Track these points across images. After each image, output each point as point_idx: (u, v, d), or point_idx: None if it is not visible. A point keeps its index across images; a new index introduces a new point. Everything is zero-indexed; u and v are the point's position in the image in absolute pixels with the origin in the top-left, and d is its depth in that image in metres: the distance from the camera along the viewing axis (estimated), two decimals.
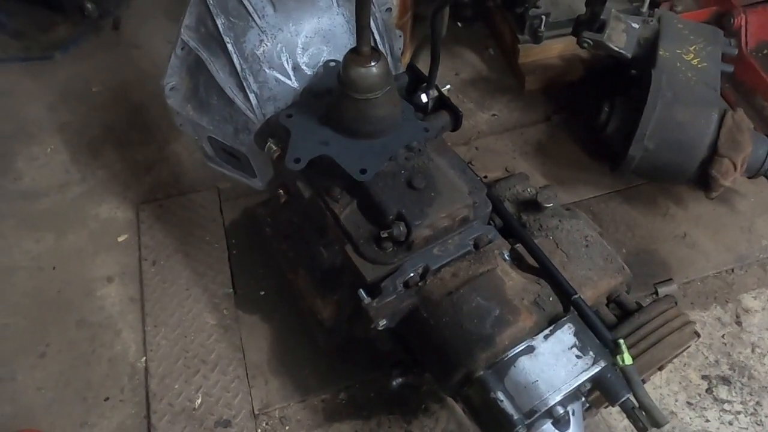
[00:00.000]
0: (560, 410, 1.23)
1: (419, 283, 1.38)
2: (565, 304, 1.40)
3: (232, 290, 1.98)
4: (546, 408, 1.23)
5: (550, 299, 1.39)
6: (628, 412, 1.28)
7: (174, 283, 2.00)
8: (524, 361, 1.27)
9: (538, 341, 1.29)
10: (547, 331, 1.31)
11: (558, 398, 1.23)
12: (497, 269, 1.39)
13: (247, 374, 1.82)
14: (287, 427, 1.75)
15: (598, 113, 2.15)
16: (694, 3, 2.57)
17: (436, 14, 1.44)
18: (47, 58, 2.70)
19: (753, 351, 1.88)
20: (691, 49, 2.06)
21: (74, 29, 2.78)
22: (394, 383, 1.46)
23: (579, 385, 1.26)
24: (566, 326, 1.32)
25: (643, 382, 1.65)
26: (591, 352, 1.29)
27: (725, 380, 1.83)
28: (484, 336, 1.29)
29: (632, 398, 1.30)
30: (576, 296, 1.38)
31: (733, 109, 1.96)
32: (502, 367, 1.27)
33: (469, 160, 2.25)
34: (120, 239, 2.13)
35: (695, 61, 2.03)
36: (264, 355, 1.86)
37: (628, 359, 1.30)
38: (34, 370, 1.85)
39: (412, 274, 1.37)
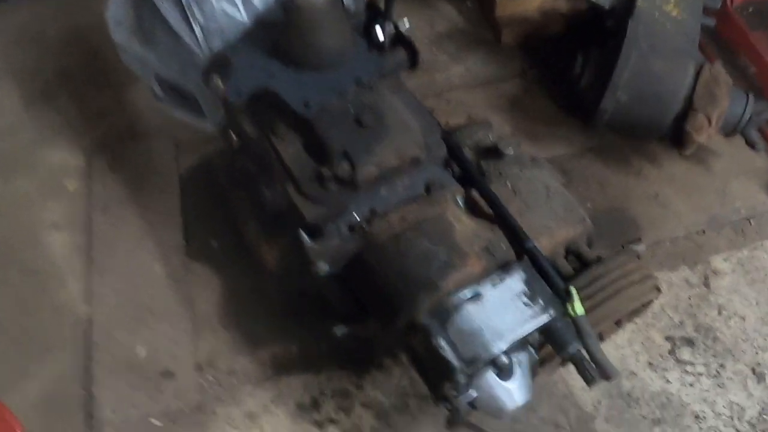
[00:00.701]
0: (504, 359, 1.17)
1: (365, 226, 1.30)
2: (518, 252, 1.33)
3: (184, 241, 1.90)
4: (489, 356, 1.16)
5: (503, 246, 1.32)
6: (577, 363, 1.21)
7: (124, 233, 1.92)
8: (469, 308, 1.20)
9: (485, 288, 1.22)
10: (495, 278, 1.24)
11: (502, 347, 1.17)
12: (447, 213, 1.31)
13: (195, 326, 1.75)
14: (234, 380, 1.68)
15: (572, 65, 2.05)
16: None
17: None
18: (2, 0, 2.57)
19: (719, 313, 1.82)
20: (671, 0, 1.96)
21: None
22: (339, 333, 1.39)
23: (526, 335, 1.20)
24: (516, 274, 1.25)
25: (602, 339, 1.61)
26: (541, 301, 1.22)
27: (689, 342, 1.77)
28: (429, 280, 1.22)
29: (582, 350, 1.23)
30: (529, 243, 1.30)
31: (711, 63, 1.88)
32: (446, 314, 1.20)
33: (436, 111, 2.16)
34: (70, 186, 2.03)
35: (675, 12, 1.93)
36: (214, 307, 1.79)
37: (579, 309, 1.23)
38: None
39: (357, 217, 1.30)
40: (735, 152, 2.10)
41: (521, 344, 1.22)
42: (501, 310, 1.20)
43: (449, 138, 1.49)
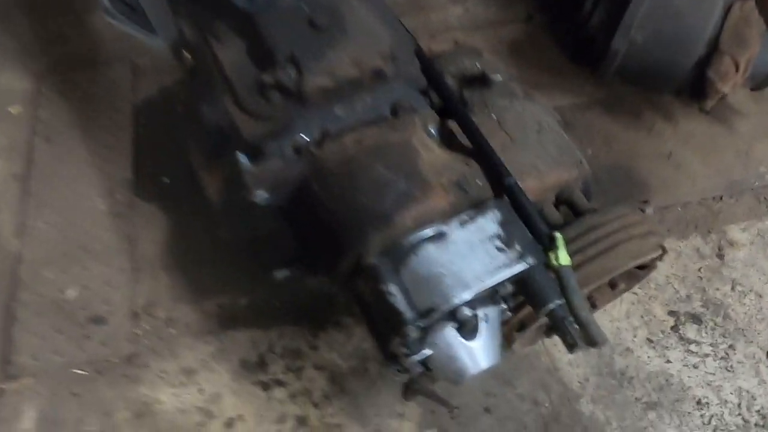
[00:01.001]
0: (467, 313, 0.96)
1: (313, 149, 1.08)
2: (496, 191, 1.11)
3: (131, 175, 1.70)
4: (448, 307, 0.95)
5: (479, 183, 1.09)
6: (557, 323, 0.99)
7: (66, 163, 1.72)
8: (430, 249, 0.98)
9: (452, 227, 1.01)
10: (465, 216, 1.02)
11: (465, 297, 0.95)
12: (413, 139, 1.09)
13: (134, 268, 1.55)
14: (172, 330, 1.48)
15: (580, 5, 1.81)
16: None
17: None
18: None
19: (733, 288, 1.59)
20: None
21: None
22: (279, 276, 1.18)
23: (496, 285, 0.98)
24: (491, 213, 1.03)
25: (595, 307, 1.40)
26: (518, 247, 1.00)
27: (696, 318, 1.55)
28: (382, 213, 1.00)
29: (564, 308, 1.01)
30: (510, 180, 1.08)
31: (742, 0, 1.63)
32: (400, 255, 0.98)
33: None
34: (13, 110, 1.82)
35: None
36: (158, 248, 1.58)
37: (564, 259, 1.01)
38: None
39: (305, 137, 1.08)
40: (762, 111, 1.86)
41: (490, 297, 1.00)
42: (468, 255, 0.99)
43: (428, 61, 1.26)
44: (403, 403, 1.40)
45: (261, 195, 1.09)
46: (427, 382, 1.15)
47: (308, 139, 1.09)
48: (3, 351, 1.43)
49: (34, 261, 1.56)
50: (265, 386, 1.43)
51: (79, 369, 1.43)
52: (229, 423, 1.38)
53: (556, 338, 1.31)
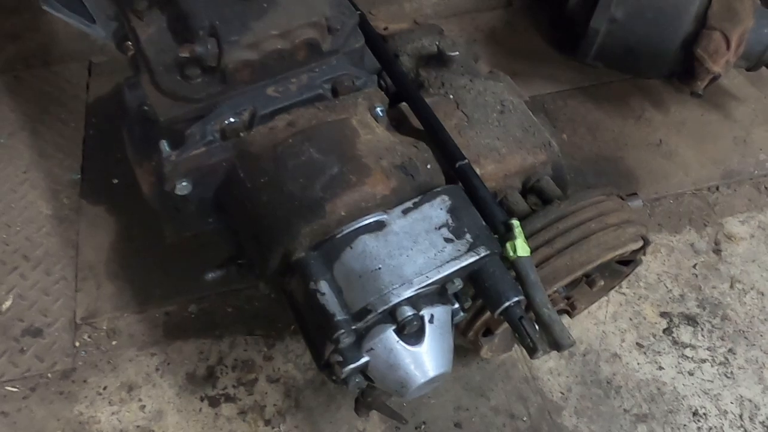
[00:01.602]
0: (408, 312, 0.82)
1: (241, 133, 0.96)
2: (449, 177, 0.98)
3: (79, 176, 1.59)
4: (385, 307, 0.82)
5: (427, 167, 0.97)
6: (514, 323, 0.86)
7: (11, 164, 1.62)
8: (367, 241, 0.86)
9: (392, 215, 0.88)
10: (409, 204, 0.89)
11: (406, 294, 0.82)
12: (353, 120, 0.97)
13: (76, 276, 1.44)
14: (114, 342, 1.36)
15: None
16: None
17: None
18: None
19: (732, 287, 1.45)
20: None
21: None
22: (207, 277, 1.05)
23: (443, 280, 0.85)
24: (439, 199, 0.90)
25: (575, 308, 1.26)
26: (468, 237, 0.87)
27: (691, 320, 1.40)
28: (312, 201, 0.88)
29: (523, 305, 0.88)
30: (461, 162, 0.95)
31: None
32: (332, 248, 0.86)
33: None
34: None
35: None
36: (102, 254, 1.47)
37: (522, 249, 0.88)
38: None
39: (231, 119, 0.96)
40: (760, 95, 1.74)
41: (438, 294, 0.87)
42: (410, 247, 0.86)
43: (376, 37, 1.14)
44: (364, 419, 1.27)
45: (183, 185, 0.97)
46: (380, 395, 1.02)
47: (235, 121, 0.97)
48: None
49: None
50: (213, 402, 1.30)
51: (10, 386, 1.31)
52: None
53: None
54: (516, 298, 0.85)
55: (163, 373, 1.33)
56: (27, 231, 1.51)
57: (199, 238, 1.27)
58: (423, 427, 1.27)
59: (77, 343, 1.36)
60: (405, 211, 0.89)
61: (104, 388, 1.31)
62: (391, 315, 0.83)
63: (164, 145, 0.97)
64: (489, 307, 0.88)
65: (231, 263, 1.04)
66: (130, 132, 1.19)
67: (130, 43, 1.22)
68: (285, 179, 0.90)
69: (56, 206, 1.54)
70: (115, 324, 1.39)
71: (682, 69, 1.55)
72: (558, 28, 1.82)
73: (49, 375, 1.32)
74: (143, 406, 1.30)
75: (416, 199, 0.90)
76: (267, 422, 1.28)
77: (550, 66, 1.81)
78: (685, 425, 1.28)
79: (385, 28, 1.31)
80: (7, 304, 1.40)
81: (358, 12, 1.10)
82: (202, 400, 1.30)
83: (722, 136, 1.67)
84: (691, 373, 1.34)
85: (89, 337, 1.37)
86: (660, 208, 1.57)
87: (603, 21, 1.51)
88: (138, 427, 1.27)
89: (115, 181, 1.58)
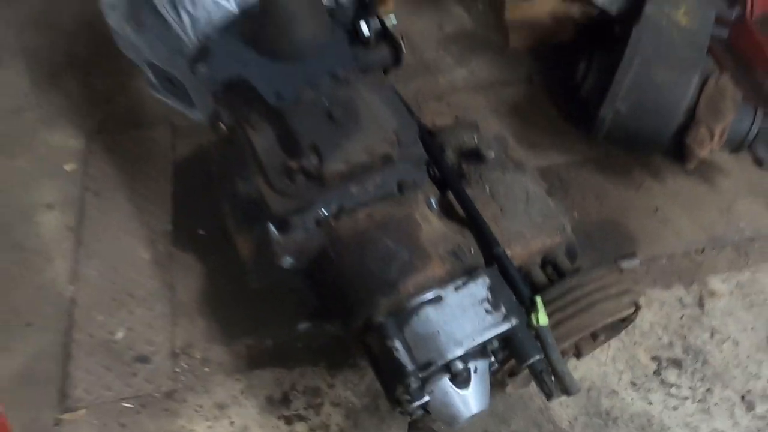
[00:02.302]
0: (459, 365, 1.14)
1: (331, 222, 1.28)
2: (487, 258, 1.29)
3: (170, 227, 1.91)
4: (443, 362, 1.13)
5: (471, 251, 1.28)
6: (536, 375, 1.17)
7: (113, 216, 1.94)
8: (429, 311, 1.17)
9: (447, 291, 1.19)
10: (459, 282, 1.20)
11: (458, 353, 1.14)
12: (416, 214, 1.28)
13: (173, 313, 1.76)
14: (206, 369, 1.68)
15: (575, 71, 2.00)
16: None
17: None
18: None
19: (712, 336, 1.74)
20: (682, 8, 1.89)
21: None
22: (300, 327, 1.37)
23: (485, 342, 1.16)
24: (481, 279, 1.21)
25: (581, 354, 1.56)
26: (503, 309, 1.19)
27: (676, 363, 1.70)
28: (388, 281, 1.19)
29: (543, 362, 1.19)
30: (498, 249, 1.27)
31: (720, 74, 1.80)
32: (404, 316, 1.17)
33: (434, 114, 2.13)
34: (67, 167, 2.06)
35: (684, 20, 1.86)
36: (193, 294, 1.79)
37: (543, 319, 1.19)
38: None
39: (324, 212, 1.28)
40: (743, 170, 2.02)
41: (480, 351, 1.18)
42: (460, 316, 1.17)
43: (431, 138, 1.46)
44: None
45: (287, 260, 1.28)
46: (429, 421, 1.32)
47: (327, 214, 1.28)
48: (61, 385, 1.65)
49: (86, 305, 1.77)
50: (288, 420, 1.62)
51: (126, 402, 1.63)
52: None
53: None
54: (538, 357, 1.16)
55: (247, 395, 1.65)
56: (131, 273, 1.83)
57: (272, 286, 1.60)
58: None
59: (177, 369, 1.68)
60: (456, 288, 1.20)
61: (200, 407, 1.63)
62: (446, 367, 1.14)
63: (272, 228, 1.29)
64: (517, 362, 1.19)
65: (319, 318, 1.36)
66: (233, 208, 1.52)
67: (221, 123, 1.55)
68: (367, 261, 1.21)
69: (153, 252, 1.87)
70: (207, 354, 1.71)
71: (675, 150, 1.86)
72: (572, 105, 2.13)
73: (156, 395, 1.65)
74: (232, 422, 1.61)
75: (464, 279, 1.21)
76: None
77: (564, 138, 2.12)
78: None
79: (433, 125, 1.63)
80: (120, 335, 1.73)
81: (415, 119, 1.43)
82: (279, 418, 1.62)
83: (709, 206, 1.97)
84: (675, 408, 1.63)
85: (186, 364, 1.69)
86: (655, 266, 1.87)
87: (610, 112, 1.81)
88: None
89: (201, 232, 1.91)
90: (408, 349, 1.15)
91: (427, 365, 1.13)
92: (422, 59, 2.36)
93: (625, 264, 1.59)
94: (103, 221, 1.93)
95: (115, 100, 2.24)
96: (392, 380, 1.16)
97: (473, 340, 1.15)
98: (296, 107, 1.28)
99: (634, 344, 1.73)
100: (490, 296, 1.19)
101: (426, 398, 1.16)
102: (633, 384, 1.67)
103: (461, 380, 1.15)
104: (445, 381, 1.15)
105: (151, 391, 1.64)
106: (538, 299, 1.20)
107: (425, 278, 1.19)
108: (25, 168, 2.06)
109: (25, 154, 2.10)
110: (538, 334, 1.19)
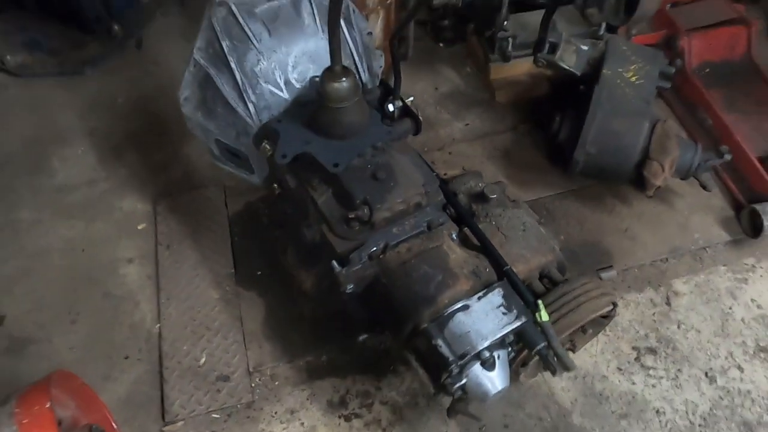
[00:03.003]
0: (487, 354, 1.55)
1: (380, 256, 1.71)
2: (499, 274, 1.72)
3: (233, 270, 2.32)
4: (475, 352, 1.54)
5: (487, 270, 1.71)
6: (543, 357, 1.59)
7: (184, 264, 2.35)
8: (460, 316, 1.59)
9: (472, 301, 1.61)
10: (480, 293, 1.62)
11: (485, 344, 1.55)
12: (444, 245, 1.71)
13: (244, 339, 2.16)
14: (276, 383, 2.07)
15: (551, 123, 2.48)
16: (647, 27, 2.89)
17: (392, 40, 1.78)
18: (79, 73, 3.09)
19: (678, 327, 2.18)
20: (632, 68, 2.38)
21: (102, 48, 3.16)
22: (360, 339, 1.78)
23: (503, 336, 1.58)
24: (496, 290, 1.63)
25: (576, 348, 1.98)
26: (515, 311, 1.61)
27: (652, 351, 2.12)
28: (429, 296, 1.61)
29: (547, 348, 1.61)
30: (507, 268, 1.70)
31: (665, 119, 2.28)
32: (442, 321, 1.59)
33: (438, 162, 2.59)
34: (139, 227, 2.48)
35: (633, 78, 2.36)
36: (259, 324, 2.19)
37: (545, 317, 1.61)
38: (66, 333, 2.19)
39: (374, 248, 1.70)
40: (694, 193, 2.48)
41: (500, 343, 1.59)
42: (484, 318, 1.58)
43: (446, 186, 1.91)
44: (446, 423, 1.97)
45: (349, 287, 1.70)
46: (463, 405, 1.73)
47: (376, 249, 1.71)
48: (160, 404, 2.03)
49: (171, 338, 2.17)
50: (347, 418, 2.00)
51: (214, 414, 2.01)
52: None
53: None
54: (543, 344, 1.58)
55: (312, 401, 2.04)
56: (205, 310, 2.23)
57: (322, 314, 2.01)
58: (483, 428, 1.97)
59: (253, 384, 2.07)
60: (479, 298, 1.62)
61: (275, 413, 2.02)
62: (477, 356, 1.55)
63: (335, 264, 1.71)
64: (528, 349, 1.61)
65: (372, 329, 1.77)
66: (296, 250, 1.94)
67: (276, 186, 1.98)
68: (411, 283, 1.63)
69: (221, 292, 2.27)
70: (275, 371, 2.10)
71: (636, 181, 2.33)
72: (552, 149, 2.59)
73: (238, 406, 2.03)
74: (302, 423, 2.00)
75: (484, 291, 1.63)
76: (383, 430, 1.98)
77: (548, 175, 2.58)
78: (651, 419, 1.98)
79: (445, 174, 2.08)
80: (203, 360, 2.11)
81: (435, 174, 1.87)
82: (339, 417, 2.00)
83: (669, 223, 2.43)
84: (653, 386, 2.05)
85: (260, 380, 2.08)
86: (629, 275, 2.30)
87: (582, 154, 2.28)
88: None
89: (259, 272, 2.32)
90: (448, 345, 1.56)
91: (464, 355, 1.54)
92: (423, 116, 2.77)
93: (604, 275, 2.04)
94: (176, 269, 2.34)
95: (172, 168, 2.67)
96: (438, 370, 1.57)
97: (495, 335, 1.56)
98: (348, 172, 1.72)
99: (618, 338, 2.15)
100: (504, 302, 1.62)
101: (464, 380, 1.56)
102: (619, 369, 2.08)
103: (488, 365, 1.56)
104: (477, 366, 1.56)
105: (234, 403, 2.03)
106: (540, 302, 1.63)
107: (455, 292, 1.62)
108: (105, 230, 2.48)
109: (103, 218, 2.51)
110: (542, 328, 1.61)
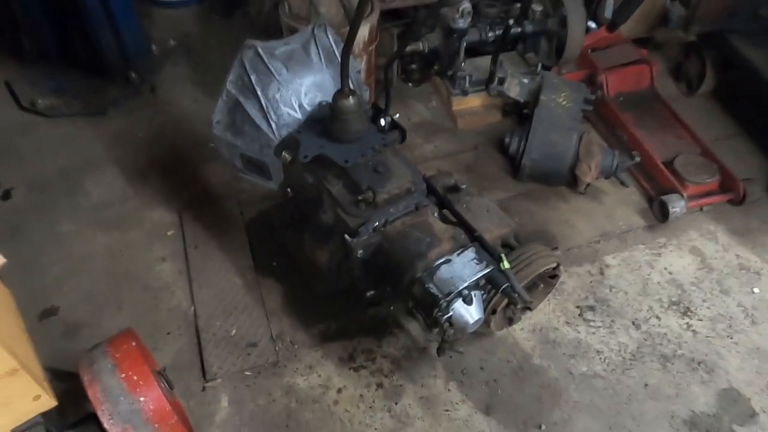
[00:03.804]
0: (466, 292, 2.08)
1: (382, 228, 2.25)
2: (471, 239, 2.28)
3: (252, 263, 2.81)
4: (457, 290, 2.07)
5: (462, 236, 2.27)
6: (508, 294, 2.13)
7: (210, 260, 2.82)
8: (445, 267, 2.13)
9: (453, 256, 2.16)
10: (459, 251, 2.17)
11: (464, 285, 2.08)
12: (429, 219, 2.28)
13: (266, 314, 2.63)
14: (296, 346, 2.54)
15: (504, 139, 3.12)
16: (574, 67, 3.62)
17: (387, 67, 2.39)
18: (101, 113, 3.58)
19: (610, 290, 2.77)
20: (562, 95, 3.07)
21: (121, 92, 3.68)
22: (368, 295, 2.30)
23: (477, 279, 2.12)
24: (470, 248, 2.19)
25: (532, 308, 2.54)
26: (485, 262, 2.16)
27: (591, 308, 2.70)
28: (421, 253, 2.15)
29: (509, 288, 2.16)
30: (477, 233, 2.26)
31: (589, 132, 2.95)
32: (432, 271, 2.12)
33: None
34: (169, 233, 2.95)
35: (564, 102, 3.04)
36: (278, 303, 2.67)
37: (507, 265, 2.17)
38: (114, 318, 2.61)
39: (377, 223, 2.24)
40: (617, 191, 3.15)
41: (476, 285, 2.13)
42: (462, 267, 2.13)
43: (429, 181, 2.49)
44: (434, 369, 2.47)
45: (359, 253, 2.22)
46: (449, 345, 2.24)
47: (379, 224, 2.25)
48: (200, 366, 2.46)
49: (205, 316, 2.61)
50: (356, 369, 2.48)
51: (247, 372, 2.45)
52: (339, 390, 2.42)
53: (515, 326, 2.47)
54: (506, 284, 2.13)
55: (326, 358, 2.51)
56: (232, 294, 2.69)
57: (330, 294, 2.51)
58: (464, 370, 2.48)
59: (276, 348, 2.53)
60: (458, 254, 2.16)
61: (296, 369, 2.47)
62: (459, 294, 2.09)
63: (347, 237, 2.24)
64: (495, 289, 2.15)
65: (378, 288, 2.29)
66: (312, 233, 2.46)
67: (289, 190, 2.52)
68: (408, 245, 2.17)
69: (244, 281, 2.75)
70: (294, 337, 2.57)
71: (571, 181, 2.97)
72: (505, 161, 3.22)
73: (266, 365, 2.48)
74: (319, 375, 2.46)
75: (461, 249, 2.18)
76: (386, 376, 2.46)
77: (503, 182, 3.19)
78: (593, 357, 2.53)
79: (425, 174, 2.66)
80: (233, 332, 2.56)
81: (419, 171, 2.45)
82: (349, 369, 2.48)
83: (599, 214, 3.06)
84: (594, 333, 2.61)
85: (282, 345, 2.54)
86: (570, 254, 2.90)
87: (529, 161, 2.92)
88: (319, 384, 2.43)
89: (275, 263, 2.81)
90: (437, 287, 2.09)
91: (449, 293, 2.07)
92: None
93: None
94: (204, 264, 2.81)
95: (192, 187, 3.17)
96: (431, 306, 2.09)
97: (471, 278, 2.10)
98: (355, 167, 2.27)
99: (565, 300, 2.72)
100: (476, 257, 2.17)
101: (450, 313, 2.09)
102: (567, 323, 2.65)
103: (468, 301, 2.09)
104: (459, 302, 2.09)
105: (262, 363, 2.48)
106: (503, 255, 2.19)
107: (441, 250, 2.16)
108: (138, 237, 2.93)
109: (136, 228, 2.97)
110: (505, 273, 2.16)
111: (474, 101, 3.53)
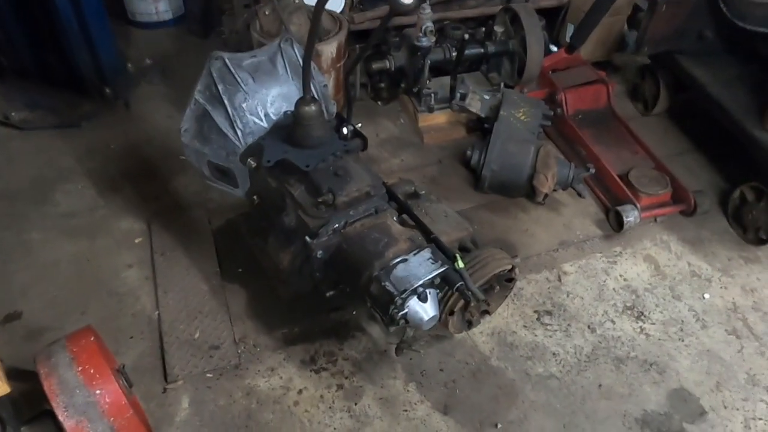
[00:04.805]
0: (421, 290, 2.16)
1: (342, 230, 2.32)
2: (428, 241, 2.36)
3: (218, 269, 2.86)
4: (412, 288, 2.14)
5: (419, 238, 2.36)
6: (462, 292, 2.21)
7: (177, 266, 2.86)
8: (401, 266, 2.20)
9: (410, 256, 2.23)
10: (415, 251, 2.25)
11: (419, 283, 2.15)
12: (387, 221, 2.36)
13: (230, 318, 2.67)
14: (258, 349, 2.58)
15: (466, 153, 3.24)
16: (536, 86, 3.78)
17: (347, 74, 2.49)
18: (75, 125, 3.64)
19: (567, 296, 2.86)
20: (521, 110, 3.21)
21: (95, 106, 3.75)
22: (328, 294, 2.35)
23: (432, 278, 2.19)
24: (426, 249, 2.26)
25: (491, 313, 2.62)
26: (440, 262, 2.24)
27: (549, 313, 2.78)
28: (378, 252, 2.23)
29: (464, 286, 2.23)
30: (433, 236, 2.35)
31: (546, 144, 3.08)
32: (388, 270, 2.19)
33: None
34: (137, 241, 2.99)
35: (523, 117, 3.17)
36: (242, 307, 2.72)
37: (461, 265, 2.25)
38: (77, 323, 2.61)
39: (337, 225, 2.32)
40: (574, 202, 3.27)
41: (431, 284, 2.20)
42: (418, 266, 2.20)
43: (390, 188, 2.58)
44: (395, 370, 2.52)
45: (320, 254, 2.29)
46: (406, 344, 2.30)
47: (339, 226, 2.32)
48: (163, 369, 2.48)
49: (169, 320, 2.64)
50: (317, 371, 2.52)
51: (208, 374, 2.48)
52: (300, 391, 2.45)
53: (474, 330, 2.54)
54: (460, 283, 2.21)
55: (288, 361, 2.54)
56: (197, 299, 2.73)
57: (293, 297, 2.57)
58: (423, 372, 2.53)
59: (239, 351, 2.56)
60: (414, 254, 2.23)
61: (258, 371, 2.51)
62: (414, 291, 2.15)
63: (308, 238, 2.31)
64: (449, 287, 2.23)
65: (337, 287, 2.35)
66: (275, 237, 2.52)
67: (255, 197, 2.60)
68: (366, 244, 2.25)
69: (210, 286, 2.79)
70: (257, 341, 2.61)
71: (529, 191, 3.08)
72: (467, 174, 3.34)
73: (228, 367, 2.50)
74: (281, 377, 2.49)
75: (417, 250, 2.26)
76: (346, 377, 2.50)
77: (465, 194, 3.30)
78: (549, 359, 2.60)
79: (385, 182, 2.75)
80: (197, 335, 2.59)
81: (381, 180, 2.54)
82: (310, 371, 2.51)
83: (557, 224, 3.17)
84: (551, 336, 2.69)
85: (244, 347, 2.58)
86: (529, 261, 3.00)
87: (488, 171, 3.03)
88: (280, 386, 2.46)
89: (240, 270, 2.86)
90: (393, 285, 2.15)
91: (404, 291, 2.13)
92: (368, 155, 3.53)
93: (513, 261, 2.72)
94: (171, 270, 2.85)
95: (162, 197, 3.22)
96: (387, 304, 2.16)
97: (426, 276, 2.17)
98: (316, 171, 2.36)
99: (523, 305, 2.80)
100: (432, 257, 2.24)
101: (406, 310, 2.16)
102: (525, 326, 2.72)
103: (422, 298, 2.16)
104: (414, 299, 2.16)
105: (224, 365, 2.51)
106: (458, 255, 2.27)
107: (398, 250, 2.24)
108: (106, 244, 2.97)
109: (105, 237, 3.01)
110: (459, 272, 2.24)
111: (439, 118, 3.66)
